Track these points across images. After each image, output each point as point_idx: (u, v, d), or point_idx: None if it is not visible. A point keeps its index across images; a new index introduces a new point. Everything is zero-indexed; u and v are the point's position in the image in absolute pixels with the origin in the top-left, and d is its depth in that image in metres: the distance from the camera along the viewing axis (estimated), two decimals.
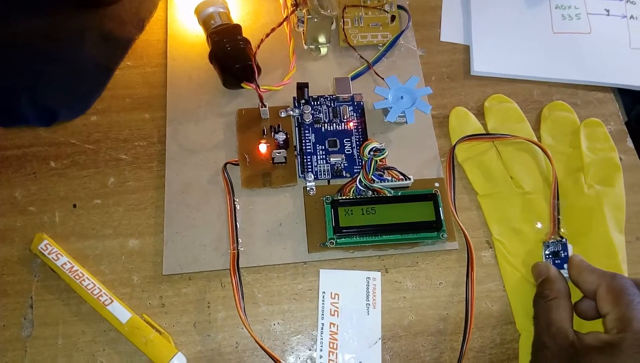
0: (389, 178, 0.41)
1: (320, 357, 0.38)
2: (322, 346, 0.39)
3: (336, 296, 0.40)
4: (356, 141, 0.44)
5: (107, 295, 0.38)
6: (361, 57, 0.48)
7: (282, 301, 0.40)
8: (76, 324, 0.39)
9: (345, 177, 0.43)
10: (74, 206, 0.43)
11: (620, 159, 0.45)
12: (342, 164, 0.43)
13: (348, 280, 0.41)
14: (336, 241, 0.39)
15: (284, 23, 0.46)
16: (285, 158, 0.42)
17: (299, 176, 0.43)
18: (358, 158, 0.43)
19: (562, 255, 0.40)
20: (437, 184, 0.43)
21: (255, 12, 0.51)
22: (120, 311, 0.38)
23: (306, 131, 0.44)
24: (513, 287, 0.41)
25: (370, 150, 0.39)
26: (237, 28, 0.46)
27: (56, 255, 0.39)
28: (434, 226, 0.40)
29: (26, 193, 0.43)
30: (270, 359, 0.38)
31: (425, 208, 0.40)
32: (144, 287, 0.40)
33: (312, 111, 0.45)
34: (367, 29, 0.49)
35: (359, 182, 0.41)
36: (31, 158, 0.44)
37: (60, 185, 0.43)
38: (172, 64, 0.48)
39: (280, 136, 0.42)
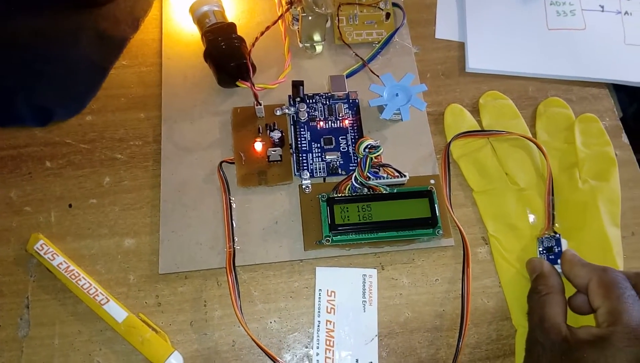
0: (385, 175, 0.41)
1: (317, 354, 0.38)
2: (318, 343, 0.39)
3: (332, 293, 0.40)
4: (351, 139, 0.44)
5: (103, 295, 0.38)
6: (356, 54, 0.48)
7: (278, 299, 0.40)
8: (72, 324, 0.39)
9: (341, 175, 0.43)
10: (70, 206, 0.43)
11: (616, 155, 0.45)
12: (338, 162, 0.43)
13: (344, 278, 0.41)
14: (332, 239, 0.39)
15: (279, 21, 0.46)
16: (280, 156, 0.43)
17: (295, 174, 0.43)
18: (353, 156, 0.43)
19: (556, 250, 0.40)
20: (432, 181, 0.43)
21: (250, 10, 0.51)
22: (117, 311, 0.38)
23: (302, 129, 0.44)
24: (509, 283, 0.41)
25: (366, 147, 0.39)
26: (232, 26, 0.46)
27: (52, 255, 0.39)
28: (429, 223, 0.40)
29: (22, 193, 0.43)
30: (267, 357, 0.38)
31: (420, 205, 0.41)
32: (140, 286, 0.40)
33: (308, 109, 0.45)
34: (362, 27, 0.49)
35: (355, 179, 0.41)
36: (26, 158, 0.44)
37: (55, 185, 0.43)
38: (167, 63, 0.48)
39: (276, 134, 0.42)
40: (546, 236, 0.41)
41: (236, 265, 0.40)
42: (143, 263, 0.41)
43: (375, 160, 0.41)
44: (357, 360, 0.38)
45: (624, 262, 0.41)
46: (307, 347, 0.39)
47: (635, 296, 0.33)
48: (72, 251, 0.41)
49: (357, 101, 0.46)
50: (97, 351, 0.38)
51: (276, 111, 0.44)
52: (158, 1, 0.51)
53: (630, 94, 0.53)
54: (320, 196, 0.40)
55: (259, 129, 0.44)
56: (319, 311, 0.39)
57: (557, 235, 0.41)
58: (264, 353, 0.38)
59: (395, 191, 0.41)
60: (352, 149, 0.44)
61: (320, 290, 0.40)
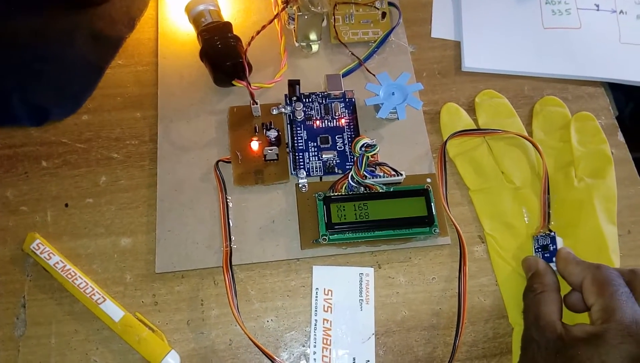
0: (381, 174, 0.41)
1: (314, 353, 0.38)
2: (315, 342, 0.39)
3: (329, 292, 0.40)
4: (348, 138, 0.44)
5: (99, 294, 0.38)
6: (352, 54, 0.48)
7: (275, 298, 0.40)
8: (69, 323, 0.39)
9: (338, 173, 0.43)
10: (66, 205, 0.42)
11: (612, 153, 0.45)
12: (334, 161, 0.43)
13: (341, 276, 0.41)
14: (329, 238, 0.39)
15: (275, 20, 0.46)
16: (277, 155, 0.43)
17: (291, 173, 0.43)
18: (350, 155, 0.43)
19: (551, 248, 0.40)
20: (429, 180, 0.43)
21: (246, 9, 0.51)
22: (113, 310, 0.38)
23: (298, 128, 0.44)
24: (505, 281, 0.41)
25: (362, 146, 0.39)
26: (228, 26, 0.46)
27: (48, 254, 0.39)
28: (426, 222, 0.40)
29: (18, 193, 0.43)
30: (264, 356, 0.38)
31: (417, 204, 0.41)
32: (137, 285, 0.40)
33: (304, 108, 0.45)
34: (358, 26, 0.49)
35: (351, 178, 0.41)
36: (22, 157, 0.44)
37: (52, 184, 0.43)
38: (163, 62, 0.48)
39: (272, 133, 0.42)
40: (542, 234, 0.41)
41: (233, 264, 0.40)
42: (139, 262, 0.41)
43: (372, 159, 0.41)
44: (354, 359, 0.38)
45: (620, 260, 0.41)
46: (304, 346, 0.39)
47: (628, 293, 0.33)
48: (69, 251, 0.41)
49: (353, 100, 0.46)
50: (94, 350, 0.38)
51: (272, 110, 0.44)
52: (154, 0, 0.51)
53: (626, 93, 0.53)
54: (316, 195, 0.41)
55: (255, 128, 0.44)
56: (316, 310, 0.40)
57: (553, 233, 0.41)
58: (261, 352, 0.38)
59: (391, 189, 0.41)
60: (349, 148, 0.44)
61: (317, 288, 0.40)
